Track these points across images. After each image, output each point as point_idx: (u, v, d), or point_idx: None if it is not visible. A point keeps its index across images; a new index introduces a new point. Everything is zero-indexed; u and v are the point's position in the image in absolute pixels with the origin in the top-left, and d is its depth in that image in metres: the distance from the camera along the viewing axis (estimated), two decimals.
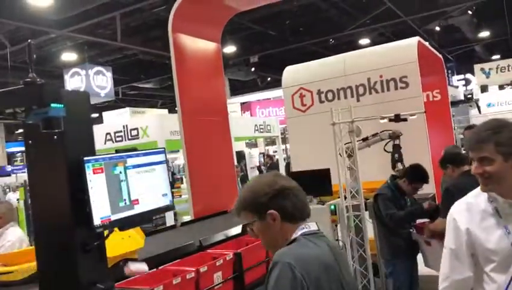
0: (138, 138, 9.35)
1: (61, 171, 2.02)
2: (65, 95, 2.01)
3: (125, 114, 15.88)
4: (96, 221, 2.04)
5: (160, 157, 2.47)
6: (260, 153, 16.18)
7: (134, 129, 9.49)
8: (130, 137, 9.50)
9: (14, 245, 3.62)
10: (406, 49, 7.05)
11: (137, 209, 2.26)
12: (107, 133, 9.80)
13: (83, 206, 2.03)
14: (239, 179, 11.34)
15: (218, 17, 6.76)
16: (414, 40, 7.07)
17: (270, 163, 14.03)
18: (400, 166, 4.61)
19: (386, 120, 4.72)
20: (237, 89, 20.08)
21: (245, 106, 18.77)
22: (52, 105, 1.71)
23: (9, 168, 17.66)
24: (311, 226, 1.71)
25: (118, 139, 9.61)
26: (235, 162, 12.35)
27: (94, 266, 2.11)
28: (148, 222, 2.37)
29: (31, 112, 1.70)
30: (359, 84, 7.26)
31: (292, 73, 8.00)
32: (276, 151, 15.17)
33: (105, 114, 17.39)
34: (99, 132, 10.13)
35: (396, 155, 4.66)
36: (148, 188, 2.36)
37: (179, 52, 6.14)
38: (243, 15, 10.99)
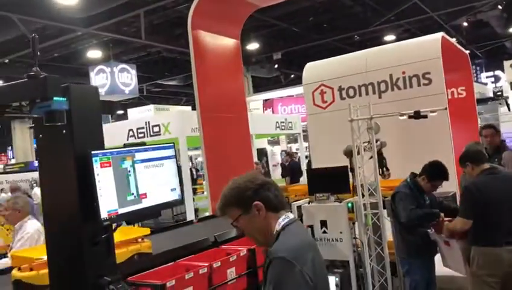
0: (160, 135, 9.43)
1: (69, 164, 2.05)
2: (73, 89, 2.04)
3: (150, 111, 16.07)
4: (103, 214, 2.06)
5: (169, 152, 2.48)
6: (282, 151, 16.10)
7: (156, 126, 9.57)
8: (152, 133, 9.60)
9: (33, 237, 3.71)
10: (429, 44, 6.89)
11: (145, 203, 2.28)
12: (129, 130, 9.93)
13: (90, 200, 2.05)
14: None
15: (238, 13, 6.76)
16: (438, 36, 6.91)
17: (289, 161, 13.84)
18: (385, 171, 4.95)
19: (405, 117, 4.62)
20: (260, 86, 20.07)
21: (267, 103, 18.74)
22: (55, 98, 1.74)
23: (37, 163, 18.15)
24: (289, 215, 1.87)
25: (140, 135, 9.72)
26: (256, 159, 12.34)
27: (102, 258, 2.14)
28: (156, 216, 2.38)
29: (34, 105, 1.73)
30: (381, 80, 7.13)
31: (313, 69, 7.92)
32: (298, 149, 15.09)
33: (130, 111, 17.67)
34: (122, 128, 10.29)
35: (384, 161, 4.88)
36: (157, 183, 2.37)
37: (198, 49, 6.17)
38: (266, 11, 10.96)
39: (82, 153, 2.05)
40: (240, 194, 1.82)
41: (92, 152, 2.05)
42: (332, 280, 4.68)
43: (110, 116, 19.49)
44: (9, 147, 25.35)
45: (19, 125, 19.46)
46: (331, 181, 4.92)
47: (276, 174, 15.25)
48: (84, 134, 2.09)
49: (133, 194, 2.22)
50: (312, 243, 1.88)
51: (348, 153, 4.87)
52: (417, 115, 4.52)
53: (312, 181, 5.12)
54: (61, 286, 2.13)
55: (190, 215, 8.78)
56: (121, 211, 2.15)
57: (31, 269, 2.60)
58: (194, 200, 9.43)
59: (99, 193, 2.04)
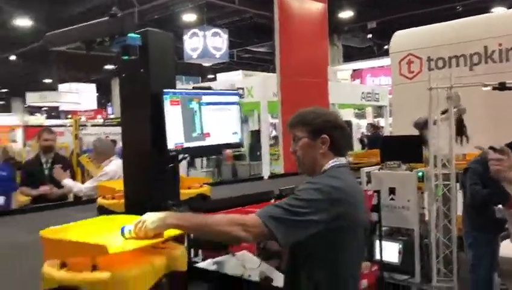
0: (243, 98, 9.72)
1: (145, 99, 2.34)
2: (151, 33, 2.32)
3: (238, 76, 16.46)
4: (171, 145, 2.34)
5: (233, 98, 2.71)
6: (368, 124, 15.75)
7: (240, 89, 9.87)
8: None
9: (116, 173, 4.19)
10: None
11: (208, 142, 2.53)
12: None
13: (160, 132, 2.33)
14: None
15: None
16: None
17: (373, 132, 13.46)
18: (464, 138, 4.72)
19: (489, 88, 4.40)
20: (351, 56, 19.59)
21: (356, 74, 18.28)
22: (129, 35, 2.00)
23: None
24: (342, 160, 1.92)
25: None
26: None
27: (167, 185, 2.43)
28: (217, 153, 2.63)
29: (113, 40, 2.02)
30: (474, 52, 6.77)
31: (402, 38, 7.71)
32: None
33: (219, 75, 18.27)
34: None
35: (464, 129, 4.70)
36: (220, 124, 2.60)
37: (283, 11, 6.28)
38: None
39: (155, 91, 2.32)
40: (316, 120, 1.86)
41: (164, 90, 2.31)
42: (396, 247, 4.71)
43: (200, 78, 20.31)
44: (109, 104, 27.67)
45: (118, 82, 21.06)
46: (404, 150, 4.88)
47: (359, 147, 15.00)
48: (158, 73, 2.37)
49: (197, 132, 2.48)
50: (358, 188, 1.94)
51: (418, 126, 4.77)
52: (502, 87, 4.29)
53: (385, 149, 5.11)
54: (133, 207, 2.46)
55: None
56: (186, 145, 2.41)
57: (113, 198, 2.97)
58: (271, 164, 9.65)
59: (167, 126, 2.32)
